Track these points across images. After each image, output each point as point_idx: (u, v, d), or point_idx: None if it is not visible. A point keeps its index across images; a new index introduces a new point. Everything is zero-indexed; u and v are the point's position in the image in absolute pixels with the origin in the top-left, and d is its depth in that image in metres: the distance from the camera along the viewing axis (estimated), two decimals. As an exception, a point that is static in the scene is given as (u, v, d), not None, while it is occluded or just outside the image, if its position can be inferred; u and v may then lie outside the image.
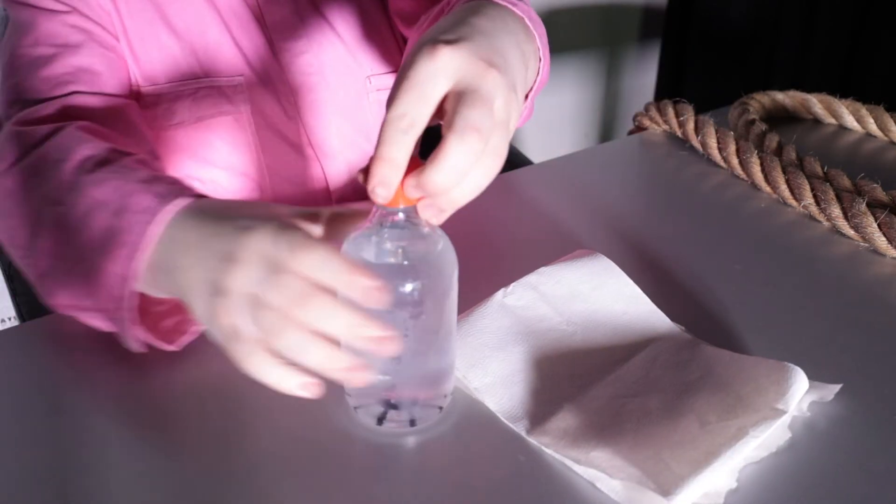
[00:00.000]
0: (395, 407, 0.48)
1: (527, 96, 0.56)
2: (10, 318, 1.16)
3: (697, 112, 0.88)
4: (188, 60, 0.72)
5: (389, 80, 0.81)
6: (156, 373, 0.53)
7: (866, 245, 0.69)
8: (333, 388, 0.52)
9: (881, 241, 0.68)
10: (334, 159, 0.79)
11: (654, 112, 0.92)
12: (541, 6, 1.68)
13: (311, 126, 0.77)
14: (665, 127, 0.91)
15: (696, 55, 1.86)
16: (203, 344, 0.56)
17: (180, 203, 0.48)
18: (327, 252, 0.40)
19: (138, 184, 0.51)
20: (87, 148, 0.56)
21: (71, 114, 0.62)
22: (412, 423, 0.48)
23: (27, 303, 0.82)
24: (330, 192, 0.80)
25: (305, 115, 0.77)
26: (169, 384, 0.52)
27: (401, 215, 0.44)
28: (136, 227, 0.48)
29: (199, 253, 0.44)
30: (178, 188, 0.50)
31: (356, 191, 0.81)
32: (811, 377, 0.50)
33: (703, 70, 1.85)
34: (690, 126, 0.86)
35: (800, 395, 0.48)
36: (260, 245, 0.41)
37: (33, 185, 0.56)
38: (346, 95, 0.79)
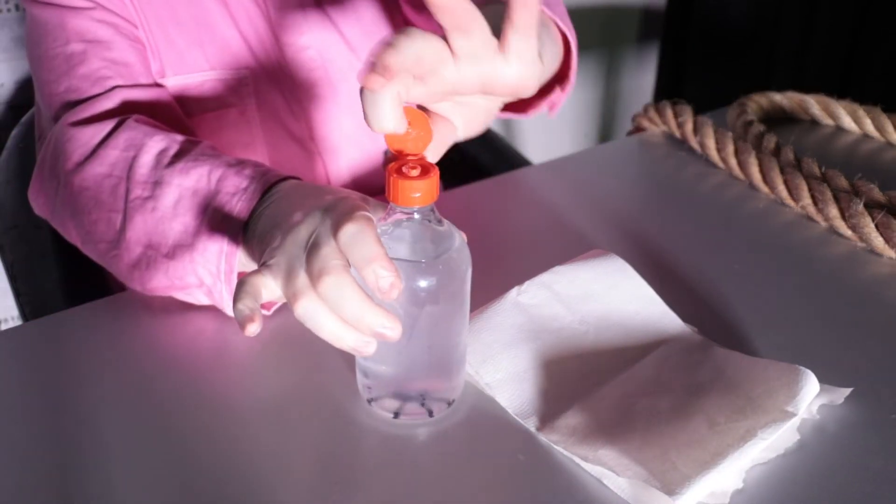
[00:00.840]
0: (406, 399, 0.49)
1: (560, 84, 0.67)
2: (11, 318, 1.17)
3: (696, 113, 0.88)
4: (194, 54, 0.72)
5: None
6: (157, 372, 0.53)
7: (864, 245, 0.70)
8: (347, 383, 0.52)
9: (878, 242, 0.68)
10: (335, 155, 0.79)
11: (652, 113, 0.92)
12: (540, 7, 1.67)
13: (314, 121, 0.78)
14: (664, 128, 0.92)
15: (695, 56, 1.86)
16: (207, 342, 0.56)
17: (269, 182, 0.54)
18: (363, 228, 0.41)
19: (227, 168, 0.56)
20: (157, 141, 0.59)
21: (120, 109, 0.64)
22: (430, 413, 0.49)
23: (30, 303, 0.82)
24: None
25: (309, 111, 0.77)
26: (171, 383, 0.52)
27: (416, 216, 0.45)
28: (232, 206, 0.54)
29: (282, 222, 0.48)
30: (264, 169, 0.56)
31: (356, 189, 0.82)
32: (808, 376, 0.50)
33: (701, 71, 1.86)
34: (689, 127, 0.87)
35: (810, 397, 0.48)
36: (320, 213, 0.45)
37: (110, 182, 0.59)
38: (349, 91, 0.79)
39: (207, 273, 0.55)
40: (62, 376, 0.53)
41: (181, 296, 0.58)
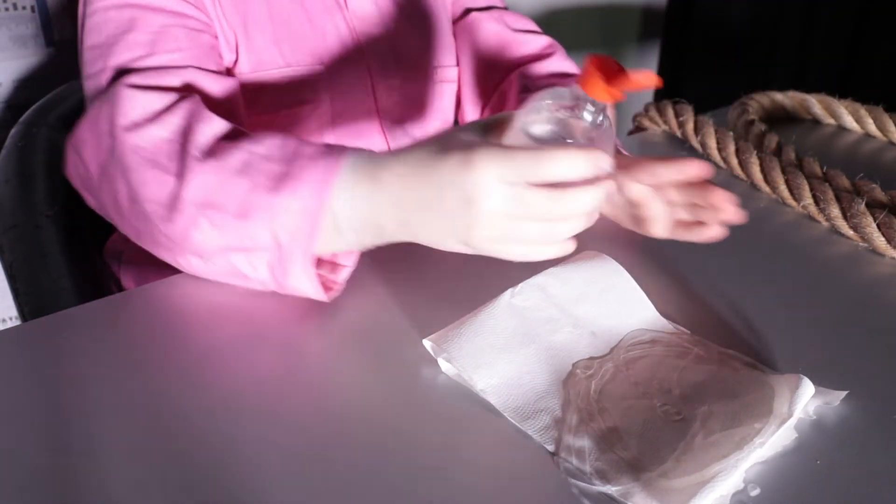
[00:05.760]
0: None
1: None
2: (10, 318, 1.17)
3: (697, 112, 0.88)
4: (270, 50, 0.73)
5: (451, 72, 0.87)
6: (157, 372, 0.53)
7: (865, 245, 0.70)
8: (350, 388, 0.52)
9: (880, 242, 0.68)
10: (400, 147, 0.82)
11: (653, 112, 0.92)
12: (540, 7, 1.68)
13: (384, 112, 0.80)
14: (665, 127, 0.92)
15: (695, 55, 1.86)
16: (208, 342, 0.56)
17: (354, 152, 0.53)
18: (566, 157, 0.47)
19: (300, 142, 0.55)
20: (223, 121, 0.58)
21: (185, 88, 0.63)
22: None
23: (29, 303, 0.82)
24: None
25: (381, 101, 0.80)
26: (171, 383, 0.52)
27: (590, 108, 0.49)
28: (317, 166, 0.52)
29: (423, 192, 0.50)
30: (339, 146, 0.55)
31: None
32: (810, 376, 0.50)
33: (702, 70, 1.85)
34: (690, 126, 0.86)
35: (805, 401, 0.49)
36: (490, 180, 0.47)
37: (170, 147, 0.57)
38: (417, 84, 0.83)
39: (285, 231, 0.53)
40: (61, 376, 0.53)
41: (237, 260, 0.56)
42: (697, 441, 0.46)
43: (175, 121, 0.58)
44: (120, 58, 0.64)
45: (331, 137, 0.77)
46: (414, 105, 0.83)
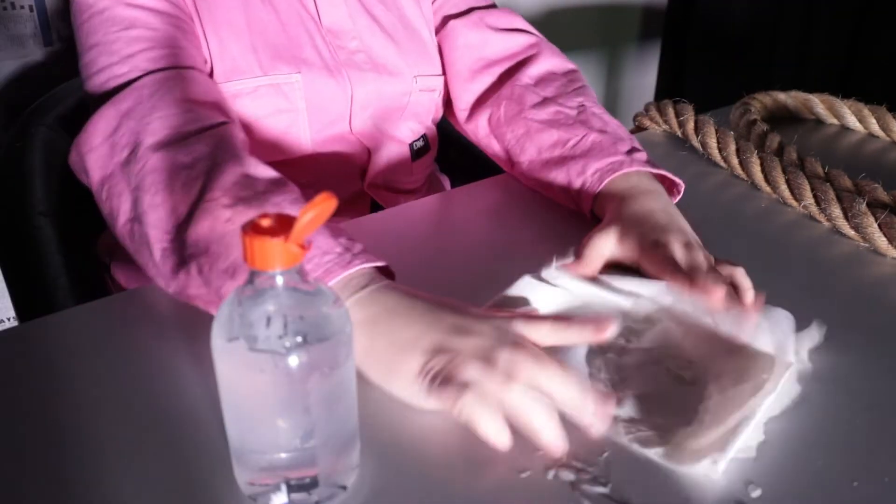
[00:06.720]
0: (299, 489, 0.42)
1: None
2: (10, 319, 1.16)
3: (698, 112, 0.88)
4: (247, 59, 0.73)
5: (432, 81, 0.86)
6: (157, 372, 0.53)
7: (866, 245, 0.69)
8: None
9: (881, 242, 0.68)
10: (378, 152, 0.83)
11: (654, 112, 0.92)
12: (540, 7, 1.68)
13: (362, 119, 0.80)
14: (665, 127, 0.91)
15: (696, 55, 1.86)
16: (207, 342, 0.56)
17: (362, 266, 0.51)
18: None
19: (325, 227, 0.52)
20: (253, 162, 0.57)
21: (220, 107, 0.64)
22: None
23: (28, 303, 0.82)
24: (365, 180, 0.84)
25: (359, 112, 0.80)
26: (170, 383, 0.52)
27: (279, 280, 0.38)
28: (317, 264, 0.50)
29: (421, 318, 0.49)
30: (357, 247, 0.52)
31: (385, 180, 0.86)
32: (810, 376, 0.51)
33: (703, 70, 1.85)
34: (690, 126, 0.86)
35: (795, 340, 0.54)
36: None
37: (188, 175, 0.55)
38: (395, 92, 0.82)
39: None
40: (60, 377, 0.53)
41: (212, 309, 0.54)
42: (714, 399, 0.49)
43: (201, 149, 0.57)
44: (126, 50, 0.65)
45: (309, 147, 0.77)
46: (393, 115, 0.83)
